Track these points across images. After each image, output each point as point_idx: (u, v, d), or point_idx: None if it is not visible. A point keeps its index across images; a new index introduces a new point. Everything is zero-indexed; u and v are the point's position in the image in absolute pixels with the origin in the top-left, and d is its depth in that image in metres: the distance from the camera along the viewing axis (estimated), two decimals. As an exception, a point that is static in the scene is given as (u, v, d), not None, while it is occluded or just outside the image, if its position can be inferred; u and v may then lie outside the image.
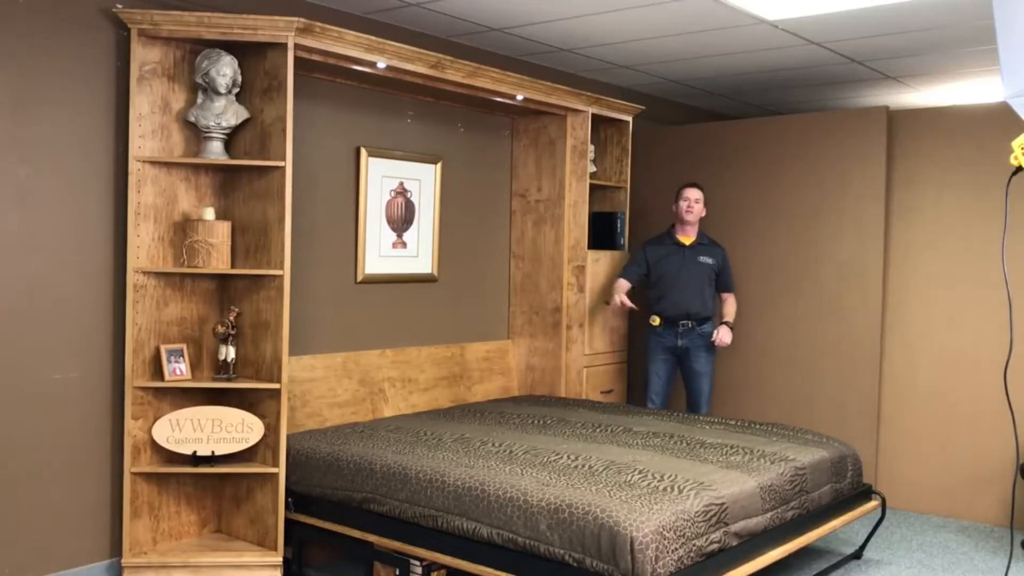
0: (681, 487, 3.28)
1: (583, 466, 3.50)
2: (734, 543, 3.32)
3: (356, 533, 3.68)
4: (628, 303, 5.11)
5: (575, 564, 3.06)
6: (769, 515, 3.53)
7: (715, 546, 3.22)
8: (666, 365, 5.28)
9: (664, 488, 3.26)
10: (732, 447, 3.92)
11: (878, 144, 5.29)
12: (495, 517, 3.27)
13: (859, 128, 5.36)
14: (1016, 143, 2.54)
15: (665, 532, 3.01)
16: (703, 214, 5.23)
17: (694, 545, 3.12)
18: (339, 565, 4.10)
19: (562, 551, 3.09)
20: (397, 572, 3.56)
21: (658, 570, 2.95)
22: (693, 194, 5.17)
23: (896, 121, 5.32)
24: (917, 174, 5.25)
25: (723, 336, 5.16)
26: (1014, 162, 2.57)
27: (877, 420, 5.29)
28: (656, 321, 5.23)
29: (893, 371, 5.26)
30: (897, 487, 5.24)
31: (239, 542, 3.88)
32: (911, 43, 4.93)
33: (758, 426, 4.44)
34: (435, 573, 3.53)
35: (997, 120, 4.60)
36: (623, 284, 5.22)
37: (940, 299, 5.16)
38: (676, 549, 3.03)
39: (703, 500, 3.23)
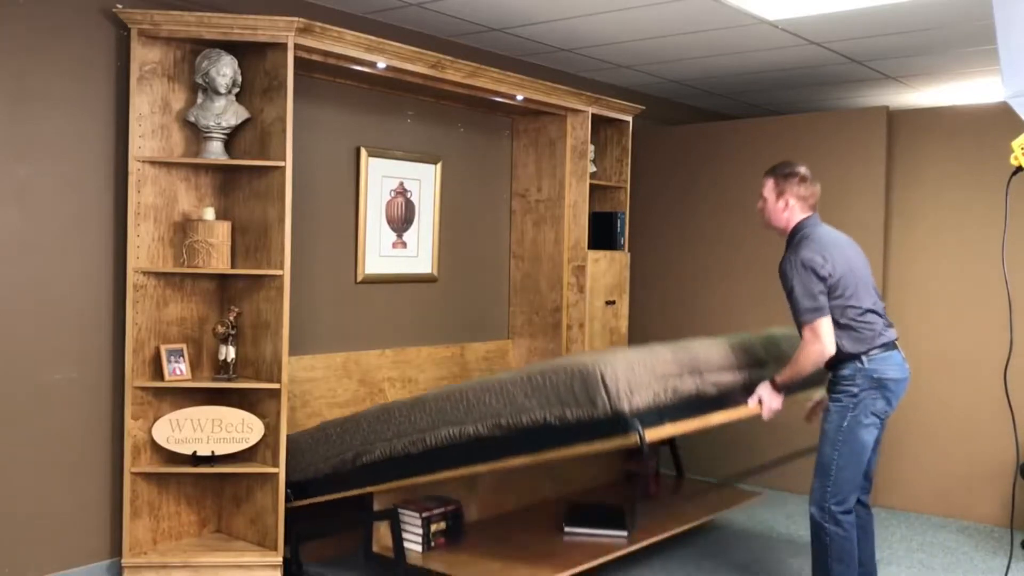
0: (650, 345, 3.41)
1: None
2: (711, 391, 3.35)
3: (354, 492, 3.68)
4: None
5: (558, 422, 3.10)
6: (746, 372, 3.54)
7: (691, 387, 3.25)
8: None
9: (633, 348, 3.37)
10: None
11: (878, 144, 5.29)
12: (476, 411, 3.32)
13: (859, 128, 5.36)
14: (1016, 143, 2.55)
15: (635, 367, 3.07)
16: (772, 215, 3.60)
17: (669, 384, 3.16)
18: (339, 564, 4.10)
19: (542, 412, 3.14)
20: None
21: (635, 402, 2.99)
22: (762, 186, 3.66)
23: (896, 121, 5.32)
24: (917, 174, 5.25)
25: (759, 400, 3.53)
26: (1014, 162, 2.57)
27: (877, 420, 5.29)
28: None
29: (893, 371, 5.26)
30: (897, 487, 5.24)
31: (239, 542, 3.88)
32: (911, 43, 4.93)
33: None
34: (434, 525, 3.65)
35: (997, 120, 4.60)
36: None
37: (940, 299, 5.16)
38: (650, 383, 3.08)
39: (671, 348, 3.33)
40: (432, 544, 3.70)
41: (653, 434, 3.03)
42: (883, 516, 5.09)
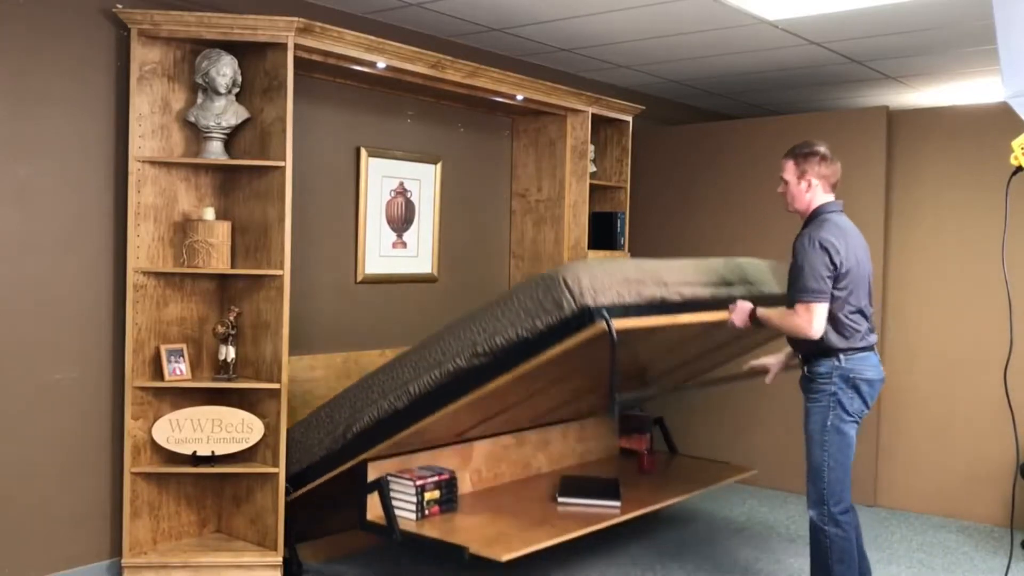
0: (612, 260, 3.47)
1: None
2: (676, 298, 3.34)
3: (349, 464, 3.68)
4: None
5: (531, 335, 3.11)
6: (711, 289, 3.52)
7: (656, 293, 3.23)
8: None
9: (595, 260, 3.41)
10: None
11: (878, 144, 5.29)
12: (453, 348, 3.33)
13: (859, 128, 5.36)
14: (1016, 143, 2.55)
15: (596, 272, 3.08)
16: (795, 197, 3.53)
17: (633, 288, 3.15)
18: (339, 563, 4.11)
19: (514, 329, 3.14)
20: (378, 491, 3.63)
21: (600, 300, 3.00)
22: (781, 169, 3.56)
23: (896, 121, 5.32)
24: (917, 174, 5.25)
25: (734, 309, 3.47)
26: (1014, 162, 2.58)
27: (877, 420, 5.29)
28: None
29: (893, 371, 5.25)
30: (897, 487, 5.24)
31: (239, 542, 3.88)
32: (911, 43, 4.93)
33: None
34: (428, 493, 3.69)
35: (997, 120, 4.60)
36: None
37: (940, 299, 5.16)
38: (612, 285, 3.08)
39: (634, 262, 3.36)
40: (426, 512, 3.71)
41: (620, 324, 3.00)
42: (883, 516, 5.10)
